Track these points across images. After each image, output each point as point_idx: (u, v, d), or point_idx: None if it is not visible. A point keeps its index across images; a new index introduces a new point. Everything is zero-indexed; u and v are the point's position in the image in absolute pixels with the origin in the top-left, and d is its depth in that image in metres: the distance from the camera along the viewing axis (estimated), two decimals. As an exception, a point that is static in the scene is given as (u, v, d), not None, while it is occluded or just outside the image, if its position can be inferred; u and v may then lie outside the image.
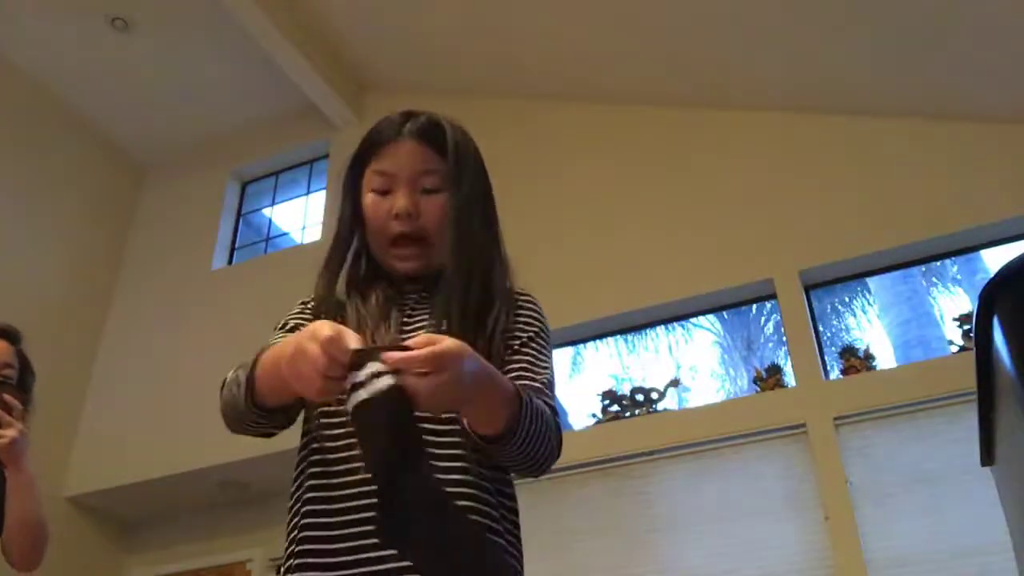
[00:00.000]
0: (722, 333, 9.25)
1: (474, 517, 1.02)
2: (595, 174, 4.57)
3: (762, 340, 8.93)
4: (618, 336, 5.16)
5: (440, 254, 1.17)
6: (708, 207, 4.21)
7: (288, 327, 1.26)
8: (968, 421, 3.13)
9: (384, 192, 1.18)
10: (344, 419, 1.02)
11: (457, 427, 1.04)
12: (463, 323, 1.10)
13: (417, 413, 0.89)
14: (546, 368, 1.16)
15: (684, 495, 3.61)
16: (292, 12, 4.97)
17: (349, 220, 1.25)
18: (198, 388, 4.96)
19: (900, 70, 3.89)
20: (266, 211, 5.93)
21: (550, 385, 1.15)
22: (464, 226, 1.17)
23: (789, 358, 3.73)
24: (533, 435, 1.02)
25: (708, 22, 4.12)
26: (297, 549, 1.09)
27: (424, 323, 1.15)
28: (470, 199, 1.19)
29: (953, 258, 5.20)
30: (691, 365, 8.96)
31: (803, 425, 3.51)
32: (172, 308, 5.32)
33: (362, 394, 0.86)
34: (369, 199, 1.20)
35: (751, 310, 8.66)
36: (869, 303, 8.75)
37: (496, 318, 1.16)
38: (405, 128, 1.19)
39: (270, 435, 1.18)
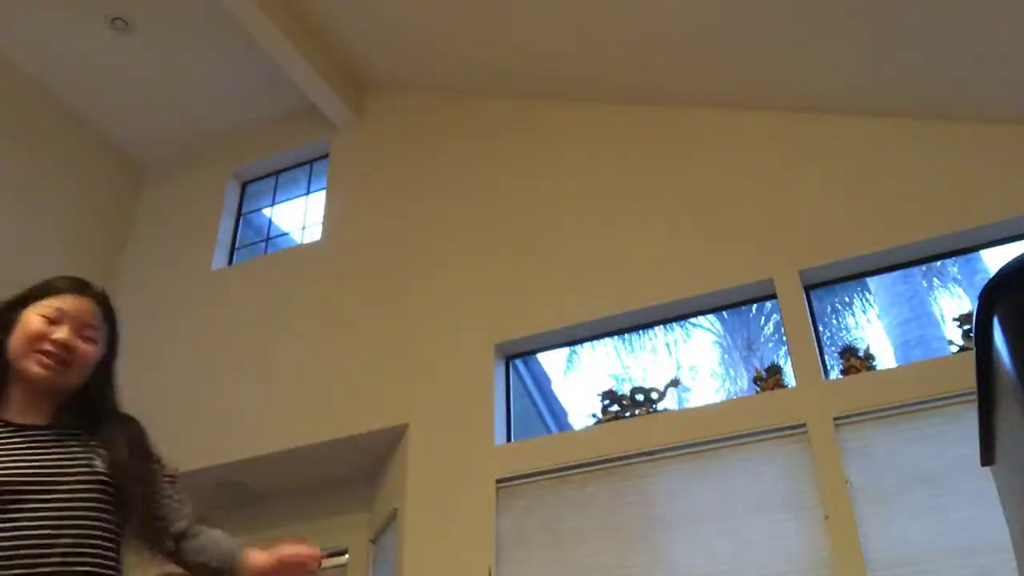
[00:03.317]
0: (722, 333, 9.26)
1: None
2: (595, 174, 4.57)
3: (762, 340, 8.93)
4: (618, 336, 5.16)
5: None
6: (708, 207, 4.21)
7: None
8: (968, 421, 3.14)
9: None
10: None
11: None
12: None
13: None
14: None
15: (684, 495, 3.61)
16: (292, 12, 4.97)
17: None
18: (197, 388, 4.97)
19: (900, 70, 3.89)
20: (266, 211, 5.93)
21: None
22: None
23: (789, 358, 3.73)
24: None
25: (707, 22, 4.12)
26: None
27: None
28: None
29: (953, 258, 5.20)
30: (691, 365, 8.97)
31: (803, 425, 3.51)
32: (172, 308, 5.32)
33: None
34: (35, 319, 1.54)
35: (751, 310, 8.67)
36: (869, 303, 8.75)
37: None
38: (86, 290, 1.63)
39: None
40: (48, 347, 1.48)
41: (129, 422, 1.71)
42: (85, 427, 1.56)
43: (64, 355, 1.50)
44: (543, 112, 4.90)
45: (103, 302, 1.64)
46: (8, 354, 1.50)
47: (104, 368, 1.66)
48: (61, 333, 1.50)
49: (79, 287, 1.59)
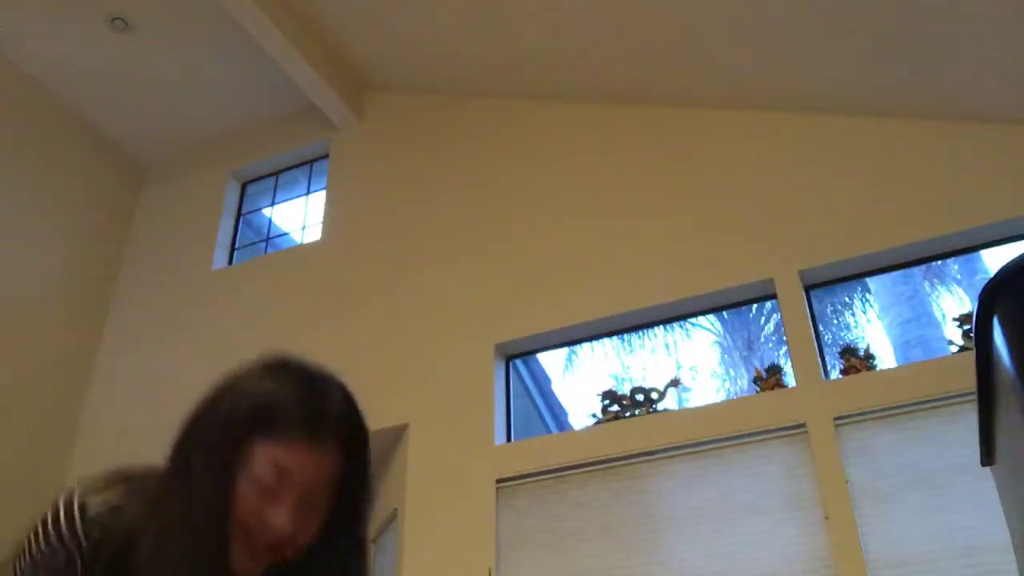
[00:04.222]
0: (722, 333, 9.26)
1: None
2: (595, 174, 4.57)
3: (762, 340, 8.94)
4: (618, 336, 5.16)
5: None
6: (708, 207, 4.21)
7: None
8: (968, 421, 3.14)
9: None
10: None
11: None
12: None
13: None
14: None
15: (684, 495, 3.61)
16: (292, 12, 4.97)
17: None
18: (198, 388, 4.97)
19: (899, 70, 3.89)
20: (266, 211, 5.93)
21: None
22: None
23: (789, 358, 3.73)
24: None
25: (707, 22, 4.12)
26: None
27: None
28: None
29: (953, 258, 5.21)
30: (691, 365, 8.97)
31: (803, 425, 3.51)
32: (172, 308, 5.32)
33: None
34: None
35: (751, 310, 8.68)
36: (869, 303, 8.76)
37: None
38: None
39: None
40: (257, 539, 0.97)
41: None
42: None
43: (277, 544, 0.98)
44: (543, 112, 4.90)
45: (348, 440, 1.02)
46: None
47: (334, 528, 1.03)
48: (279, 518, 0.96)
49: (315, 424, 0.99)
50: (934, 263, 7.15)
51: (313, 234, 5.42)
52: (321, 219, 5.33)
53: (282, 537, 0.97)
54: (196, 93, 5.68)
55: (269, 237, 5.79)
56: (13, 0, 5.01)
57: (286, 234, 5.87)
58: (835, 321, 8.75)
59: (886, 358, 8.05)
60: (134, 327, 5.38)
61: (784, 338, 3.91)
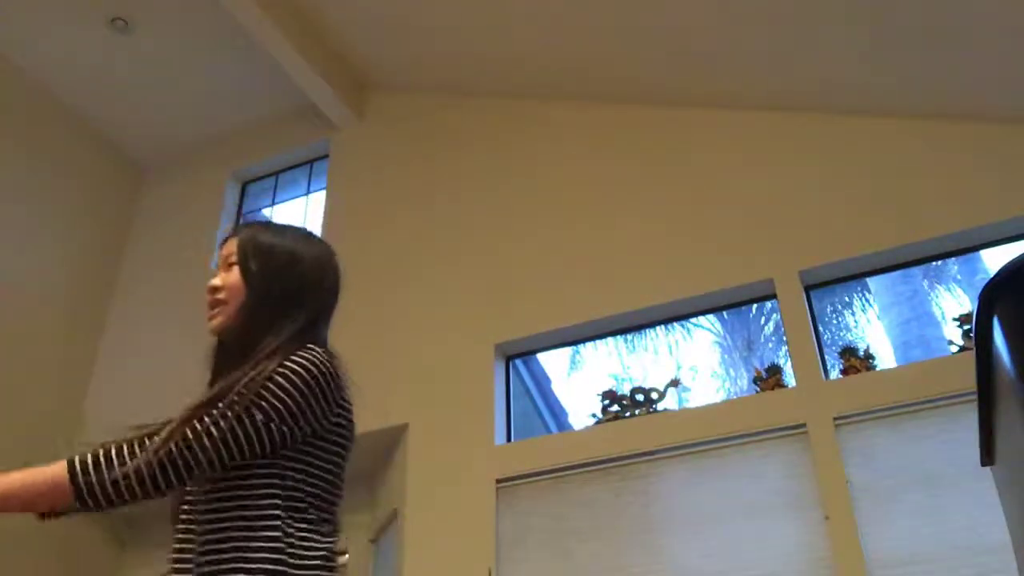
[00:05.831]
0: (722, 333, 9.25)
1: None
2: (595, 173, 4.57)
3: (762, 340, 8.93)
4: (618, 336, 5.16)
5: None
6: (708, 207, 4.21)
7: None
8: (968, 421, 3.13)
9: None
10: None
11: None
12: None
13: None
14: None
15: (684, 495, 3.61)
16: (292, 12, 4.97)
17: None
18: (198, 388, 4.97)
19: (900, 70, 3.89)
20: (266, 211, 5.93)
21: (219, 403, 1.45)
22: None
23: (789, 358, 3.73)
24: (99, 481, 1.34)
25: (707, 22, 4.12)
26: None
27: None
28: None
29: (953, 258, 5.20)
30: (691, 365, 8.96)
31: (803, 425, 3.51)
32: (172, 308, 5.32)
33: None
34: None
35: (751, 310, 8.67)
36: (869, 303, 8.75)
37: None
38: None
39: None
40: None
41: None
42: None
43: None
44: (543, 112, 4.90)
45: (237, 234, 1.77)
46: None
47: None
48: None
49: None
50: (934, 263, 7.15)
51: (313, 234, 5.41)
52: (321, 219, 5.33)
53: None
54: (196, 93, 5.68)
55: (269, 237, 5.78)
56: (13, 1, 5.01)
57: (286, 234, 5.86)
58: (835, 321, 8.74)
59: (886, 358, 8.05)
60: (134, 327, 5.38)
61: (784, 338, 3.91)
